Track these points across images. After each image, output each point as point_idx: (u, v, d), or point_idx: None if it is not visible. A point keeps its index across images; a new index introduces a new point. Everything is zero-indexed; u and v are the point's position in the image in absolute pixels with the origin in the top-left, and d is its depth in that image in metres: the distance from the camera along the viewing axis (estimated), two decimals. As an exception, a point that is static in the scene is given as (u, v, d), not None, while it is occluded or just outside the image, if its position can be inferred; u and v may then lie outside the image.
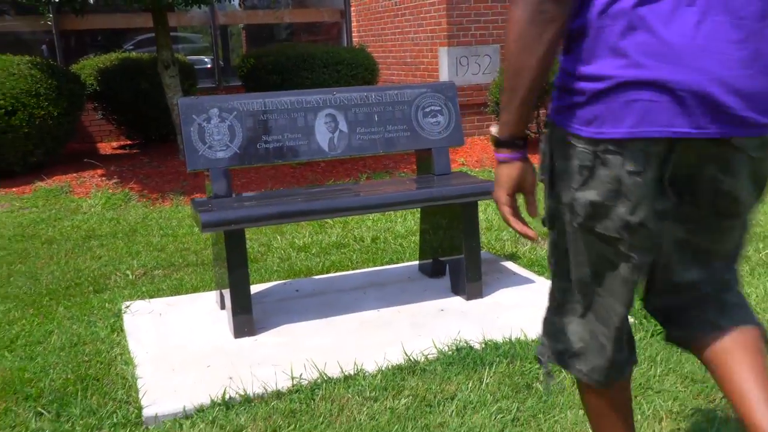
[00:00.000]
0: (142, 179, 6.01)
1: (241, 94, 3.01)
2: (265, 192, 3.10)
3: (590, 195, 1.29)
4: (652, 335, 2.64)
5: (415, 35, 7.98)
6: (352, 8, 9.64)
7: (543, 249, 3.83)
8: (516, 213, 1.39)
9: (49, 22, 6.02)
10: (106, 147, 7.80)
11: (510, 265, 3.54)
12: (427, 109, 3.20)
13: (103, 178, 6.06)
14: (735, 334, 1.42)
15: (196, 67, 8.12)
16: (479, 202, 3.43)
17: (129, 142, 7.82)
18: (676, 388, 2.25)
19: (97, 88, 7.02)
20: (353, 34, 9.70)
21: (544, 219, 1.43)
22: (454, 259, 3.12)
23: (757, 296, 3.02)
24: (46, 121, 5.98)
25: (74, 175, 6.18)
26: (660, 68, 1.18)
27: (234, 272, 2.72)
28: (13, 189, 5.85)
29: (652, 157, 1.25)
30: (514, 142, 1.33)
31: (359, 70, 6.76)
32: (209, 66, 9.32)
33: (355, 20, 9.60)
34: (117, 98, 6.97)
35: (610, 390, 1.47)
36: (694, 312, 1.48)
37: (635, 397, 2.20)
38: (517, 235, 4.10)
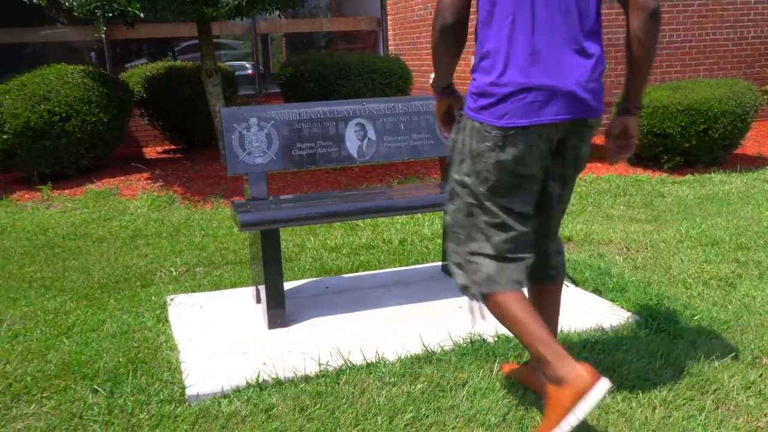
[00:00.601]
0: (185, 182, 6.34)
1: (278, 105, 3.26)
2: (300, 195, 3.36)
3: (503, 158, 2.00)
4: (655, 332, 2.82)
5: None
6: (389, 17, 9.90)
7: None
8: (444, 122, 2.27)
9: (102, 35, 6.38)
10: (151, 151, 8.18)
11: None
12: (450, 119, 3.42)
13: (149, 181, 6.40)
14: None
15: (237, 73, 8.46)
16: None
17: (173, 147, 8.19)
18: (672, 380, 2.43)
19: (144, 95, 7.39)
20: (389, 43, 9.95)
21: (449, 190, 2.15)
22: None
23: (762, 299, 3.17)
24: (97, 127, 6.35)
25: (122, 178, 6.54)
26: (541, 77, 1.94)
27: (269, 268, 2.98)
28: (66, 191, 6.23)
29: (543, 135, 1.99)
30: (441, 88, 2.19)
31: (393, 78, 7.00)
32: (250, 72, 9.66)
33: (392, 29, 9.85)
34: (163, 105, 7.33)
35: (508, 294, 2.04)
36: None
37: (633, 387, 2.39)
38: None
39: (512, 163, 2.00)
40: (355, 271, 3.89)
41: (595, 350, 2.67)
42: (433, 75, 2.19)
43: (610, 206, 5.32)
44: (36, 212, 5.68)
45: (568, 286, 3.40)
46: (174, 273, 4.05)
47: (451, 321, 3.03)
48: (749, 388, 2.39)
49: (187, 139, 7.75)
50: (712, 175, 6.36)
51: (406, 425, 2.22)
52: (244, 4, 5.48)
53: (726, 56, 8.64)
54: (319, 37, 10.56)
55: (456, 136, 2.12)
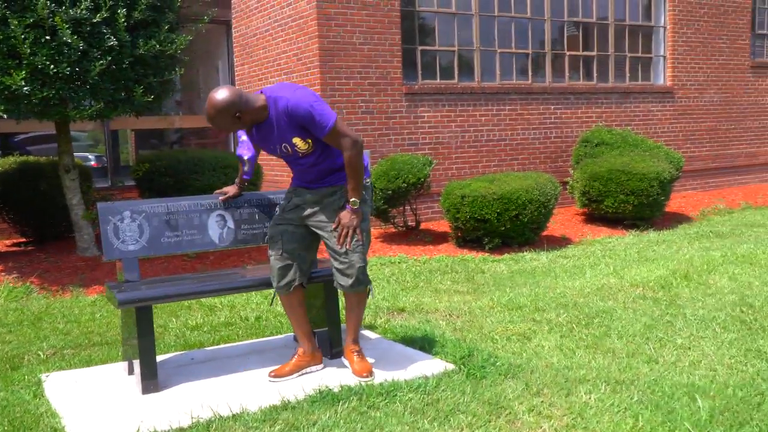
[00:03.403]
0: (42, 273, 6.49)
1: (148, 200, 3.78)
2: (168, 276, 3.84)
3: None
4: (466, 376, 3.55)
5: (296, 141, 8.98)
6: (239, 115, 10.58)
7: (396, 320, 4.72)
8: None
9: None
10: (-1, 245, 8.16)
11: (368, 333, 4.40)
12: (298, 210, 4.08)
13: (2, 273, 6.49)
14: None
15: (84, 163, 8.70)
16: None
17: (22, 240, 8.21)
18: (477, 409, 3.13)
19: (-5, 189, 7.48)
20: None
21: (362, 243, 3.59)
22: (321, 331, 3.94)
23: (548, 347, 4.01)
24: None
25: (-28, 271, 6.56)
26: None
27: (143, 341, 3.42)
28: None
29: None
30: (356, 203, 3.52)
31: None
32: (94, 164, 9.93)
33: (241, 126, 10.52)
34: (15, 198, 7.45)
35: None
36: None
37: (446, 416, 3.06)
38: (376, 310, 4.99)
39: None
40: (217, 344, 4.36)
41: (419, 392, 3.33)
42: (353, 200, 3.48)
43: (438, 282, 6.16)
44: None
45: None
46: (42, 356, 4.30)
47: (302, 378, 3.59)
48: (532, 410, 3.14)
49: (39, 232, 7.85)
50: (525, 253, 7.45)
51: (268, 456, 2.74)
52: (103, 107, 5.94)
53: (534, 152, 10.09)
54: (170, 133, 11.02)
55: (365, 207, 3.54)
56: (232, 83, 10.76)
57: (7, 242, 8.30)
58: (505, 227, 7.51)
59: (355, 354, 3.65)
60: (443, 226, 8.78)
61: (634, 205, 8.68)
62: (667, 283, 5.44)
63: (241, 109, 3.26)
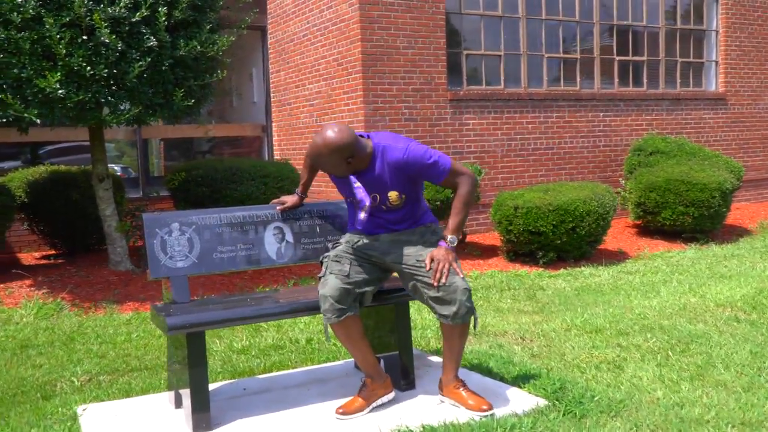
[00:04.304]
0: (73, 289, 6.12)
1: (199, 210, 3.37)
2: (216, 297, 3.42)
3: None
4: (564, 414, 3.07)
5: (335, 150, 8.57)
6: (274, 124, 10.23)
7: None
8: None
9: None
10: (28, 257, 7.82)
11: (434, 357, 3.94)
12: (362, 222, 3.65)
13: (32, 288, 6.12)
14: None
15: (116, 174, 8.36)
16: (410, 302, 3.83)
17: (52, 252, 7.87)
18: None
19: (26, 199, 7.14)
20: (274, 149, 10.24)
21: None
22: (389, 355, 3.49)
23: (647, 378, 3.53)
24: (-25, 233, 6.06)
25: (1, 285, 6.21)
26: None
27: (194, 371, 2.99)
28: (-62, 301, 5.82)
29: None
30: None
31: (285, 182, 7.21)
32: (120, 174, 9.58)
33: (276, 135, 10.16)
34: (46, 209, 7.11)
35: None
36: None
37: None
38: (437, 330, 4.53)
39: None
40: (269, 372, 3.93)
41: (513, 433, 2.87)
42: (451, 237, 3.14)
43: (498, 300, 5.69)
44: None
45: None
46: (76, 383, 3.90)
47: (376, 414, 3.14)
48: (651, 458, 2.66)
49: (70, 244, 7.50)
50: (582, 268, 6.95)
51: None
52: (141, 111, 5.57)
53: (583, 162, 9.60)
54: (202, 142, 10.69)
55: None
56: (267, 90, 10.40)
57: (36, 254, 7.96)
58: (561, 240, 7.02)
59: (462, 389, 3.18)
60: (491, 238, 8.31)
61: (694, 217, 8.15)
62: (758, 303, 4.92)
63: (354, 154, 2.99)
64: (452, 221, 3.16)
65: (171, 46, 5.56)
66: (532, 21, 9.17)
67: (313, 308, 3.19)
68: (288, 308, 3.17)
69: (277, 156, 10.09)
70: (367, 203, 3.19)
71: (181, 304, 3.21)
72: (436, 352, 4.09)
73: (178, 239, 3.27)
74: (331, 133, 2.92)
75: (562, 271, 6.90)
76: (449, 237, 3.14)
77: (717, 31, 10.89)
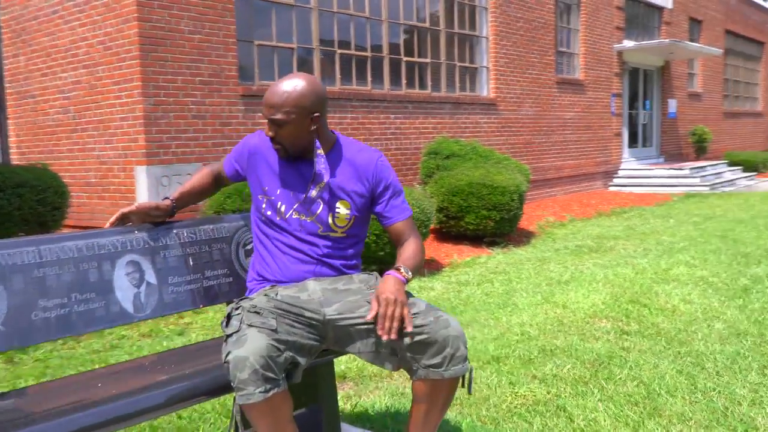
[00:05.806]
0: None
1: (3, 241, 2.03)
2: (41, 387, 2.11)
3: None
4: None
5: (102, 152, 7.01)
6: (10, 121, 8.20)
7: (364, 403, 3.33)
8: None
9: None
10: None
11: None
12: (249, 246, 2.57)
13: None
14: None
15: None
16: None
17: None
18: None
19: None
20: (11, 151, 8.21)
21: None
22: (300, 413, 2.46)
23: (605, 420, 2.93)
24: None
25: None
26: None
27: None
28: None
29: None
30: None
31: (48, 194, 5.59)
32: None
33: (15, 134, 8.16)
34: None
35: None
36: None
37: None
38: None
39: None
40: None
41: None
42: (406, 268, 2.25)
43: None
44: None
45: None
46: None
47: None
48: None
49: None
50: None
51: None
52: None
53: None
54: None
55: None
56: (1, 79, 8.31)
57: None
58: (384, 252, 6.35)
59: None
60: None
61: (495, 221, 8.03)
62: (626, 311, 4.68)
63: (322, 113, 2.28)
64: (408, 257, 2.32)
65: None
66: (324, 14, 8.42)
67: (212, 390, 2.06)
68: (164, 398, 1.99)
69: (15, 160, 8.09)
70: (304, 222, 2.23)
71: (-19, 404, 1.87)
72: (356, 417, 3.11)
73: (-33, 293, 1.91)
74: (301, 77, 2.26)
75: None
76: (402, 267, 2.24)
77: (487, 38, 11.14)
